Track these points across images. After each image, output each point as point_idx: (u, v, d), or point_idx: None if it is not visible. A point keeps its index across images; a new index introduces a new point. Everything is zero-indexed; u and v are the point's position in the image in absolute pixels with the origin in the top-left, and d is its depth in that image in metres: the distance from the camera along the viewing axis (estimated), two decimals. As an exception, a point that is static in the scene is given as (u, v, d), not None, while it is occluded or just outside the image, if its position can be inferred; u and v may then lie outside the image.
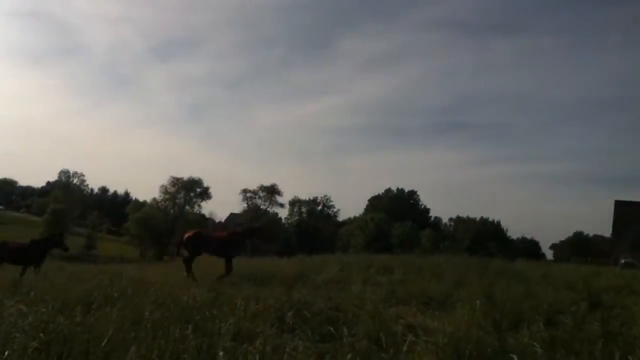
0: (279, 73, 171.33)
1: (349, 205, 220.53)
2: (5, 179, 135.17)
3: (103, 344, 5.03)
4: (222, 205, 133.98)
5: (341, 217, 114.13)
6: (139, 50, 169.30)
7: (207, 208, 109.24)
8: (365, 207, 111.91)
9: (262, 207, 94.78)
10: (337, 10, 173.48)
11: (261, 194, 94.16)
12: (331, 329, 6.70)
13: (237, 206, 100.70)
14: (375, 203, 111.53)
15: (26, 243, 13.87)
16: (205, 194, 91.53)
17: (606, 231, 66.25)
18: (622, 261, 39.33)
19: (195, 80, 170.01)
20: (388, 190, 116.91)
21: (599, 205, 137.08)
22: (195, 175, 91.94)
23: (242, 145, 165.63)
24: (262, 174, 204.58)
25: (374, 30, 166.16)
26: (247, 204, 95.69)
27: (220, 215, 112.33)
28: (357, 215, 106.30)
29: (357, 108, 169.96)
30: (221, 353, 5.05)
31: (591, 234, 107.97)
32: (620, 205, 60.94)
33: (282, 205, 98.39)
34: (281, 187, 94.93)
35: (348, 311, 8.32)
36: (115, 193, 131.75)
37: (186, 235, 14.37)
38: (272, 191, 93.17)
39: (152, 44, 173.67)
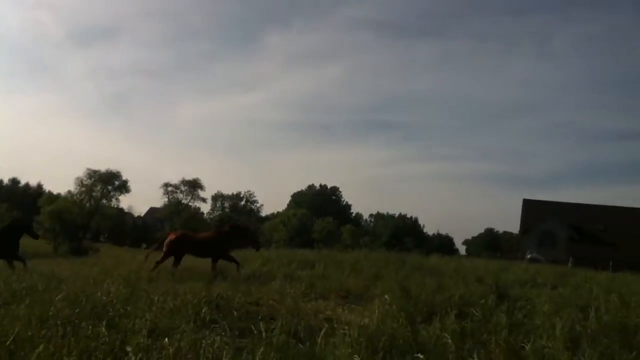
0: (205, 66, 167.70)
1: (273, 201, 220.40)
2: None
3: (8, 342, 4.78)
4: (141, 199, 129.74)
5: (264, 213, 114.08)
6: (58, 36, 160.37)
7: (125, 202, 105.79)
8: (288, 202, 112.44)
9: (183, 201, 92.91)
10: (265, 4, 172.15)
11: (183, 188, 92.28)
12: (250, 324, 6.69)
13: (158, 200, 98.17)
14: (298, 199, 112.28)
15: None
16: (123, 187, 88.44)
17: (515, 228, 70.00)
18: (528, 256, 41.57)
19: (117, 70, 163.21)
20: (311, 187, 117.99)
21: (509, 204, 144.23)
22: (114, 167, 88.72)
23: (165, 139, 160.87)
24: (184, 168, 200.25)
25: (302, 25, 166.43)
26: (168, 198, 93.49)
27: (140, 209, 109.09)
28: (280, 210, 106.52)
29: (283, 104, 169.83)
30: (129, 348, 4.94)
31: (501, 231, 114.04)
32: (528, 204, 64.55)
33: (204, 200, 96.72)
34: (204, 181, 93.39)
35: (268, 306, 8.36)
36: (27, 185, 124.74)
37: (170, 238, 13.81)
38: (194, 185, 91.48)
39: (72, 30, 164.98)
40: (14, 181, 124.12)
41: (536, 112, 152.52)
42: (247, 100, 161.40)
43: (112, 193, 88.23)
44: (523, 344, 6.01)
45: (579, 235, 57.94)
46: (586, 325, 6.97)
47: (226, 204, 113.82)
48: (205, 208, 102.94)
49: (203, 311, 7.01)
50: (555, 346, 5.93)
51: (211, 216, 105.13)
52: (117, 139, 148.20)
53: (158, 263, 13.18)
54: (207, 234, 15.29)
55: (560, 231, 58.95)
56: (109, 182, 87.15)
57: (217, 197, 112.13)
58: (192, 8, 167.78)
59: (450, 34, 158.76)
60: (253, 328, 6.35)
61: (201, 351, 5.15)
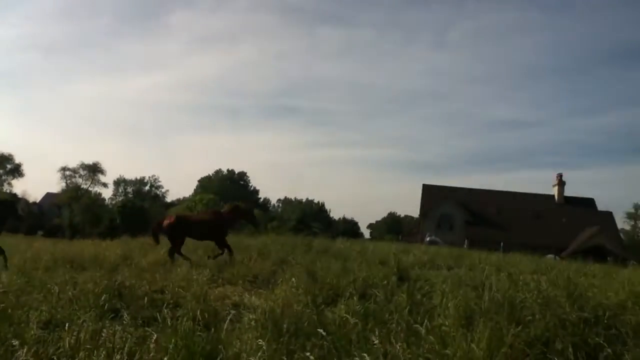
0: (106, 44, 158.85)
1: (179, 186, 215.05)
2: None
3: None
4: (37, 184, 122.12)
5: (170, 198, 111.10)
6: None
7: (19, 187, 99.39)
8: (194, 188, 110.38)
9: (83, 186, 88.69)
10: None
11: (82, 173, 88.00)
12: (155, 312, 6.57)
13: (55, 185, 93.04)
14: (205, 184, 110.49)
15: None
16: (16, 171, 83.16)
17: (416, 212, 73.06)
18: (427, 239, 43.55)
19: (7, 45, 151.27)
20: (218, 171, 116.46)
21: (410, 189, 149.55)
22: (6, 150, 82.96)
23: (63, 120, 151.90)
24: (85, 152, 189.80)
25: (208, 6, 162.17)
26: (66, 183, 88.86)
27: (35, 195, 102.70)
28: (187, 196, 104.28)
29: (189, 86, 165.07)
30: (15, 342, 4.70)
31: (402, 214, 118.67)
32: (427, 189, 67.53)
33: (105, 185, 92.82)
34: (106, 165, 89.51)
35: (173, 293, 8.23)
36: None
37: (166, 222, 13.35)
38: (94, 170, 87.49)
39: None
40: None
41: (434, 100, 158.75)
42: (152, 80, 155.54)
43: (3, 177, 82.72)
44: (421, 323, 6.33)
45: (473, 219, 61.42)
46: (479, 303, 7.43)
47: (129, 189, 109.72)
48: (107, 193, 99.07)
49: (104, 299, 6.77)
50: (450, 324, 6.29)
51: (113, 202, 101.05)
52: (7, 119, 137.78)
53: (177, 253, 12.90)
54: (204, 215, 15.13)
55: (456, 215, 62.30)
56: (1, 165, 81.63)
57: (120, 182, 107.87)
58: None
59: (354, 22, 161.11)
60: (157, 316, 6.23)
61: (101, 342, 5.00)
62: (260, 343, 5.10)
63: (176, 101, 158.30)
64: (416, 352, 5.27)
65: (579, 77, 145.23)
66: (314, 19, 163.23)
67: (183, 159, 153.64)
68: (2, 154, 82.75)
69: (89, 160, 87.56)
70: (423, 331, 5.89)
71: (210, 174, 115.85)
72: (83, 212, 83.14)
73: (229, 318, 6.08)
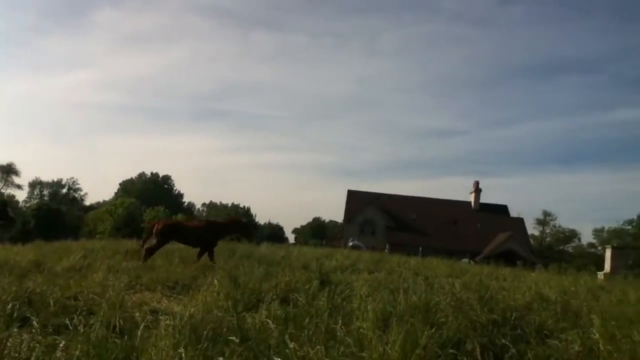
0: (28, 41, 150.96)
1: (100, 188, 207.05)
2: None
3: None
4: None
5: (90, 201, 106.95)
6: None
7: None
8: (116, 191, 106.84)
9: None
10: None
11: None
12: (66, 320, 6.31)
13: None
14: (127, 187, 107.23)
15: None
16: None
17: (340, 217, 74.19)
18: (350, 243, 44.27)
19: None
20: (142, 174, 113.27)
21: (335, 194, 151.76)
22: None
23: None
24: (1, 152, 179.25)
25: (135, 5, 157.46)
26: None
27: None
28: (107, 199, 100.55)
29: (114, 86, 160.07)
30: None
31: (327, 220, 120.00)
32: (351, 194, 68.72)
33: (20, 187, 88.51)
34: (21, 166, 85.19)
35: (87, 300, 7.94)
36: None
37: (158, 226, 13.39)
38: (8, 171, 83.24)
39: None
40: None
41: (364, 107, 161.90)
42: (74, 78, 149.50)
43: None
44: (340, 326, 6.45)
45: (395, 224, 63.06)
46: (395, 306, 7.67)
47: (45, 192, 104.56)
48: (22, 196, 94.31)
49: (10, 307, 6.42)
50: (368, 326, 6.44)
51: (27, 204, 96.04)
52: None
53: (151, 250, 13.00)
54: (198, 223, 15.10)
55: (379, 220, 63.76)
56: None
57: (35, 184, 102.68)
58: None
59: (287, 28, 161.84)
60: (69, 324, 5.99)
61: (6, 351, 4.76)
62: (179, 351, 5.01)
63: (99, 101, 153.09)
64: (333, 354, 5.36)
65: (497, 89, 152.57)
66: (248, 23, 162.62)
67: (106, 161, 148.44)
68: None
69: (2, 161, 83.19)
70: (340, 334, 6.01)
71: (134, 177, 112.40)
72: (-7, 214, 78.34)
73: (143, 324, 5.94)
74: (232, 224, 15.23)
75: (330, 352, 5.44)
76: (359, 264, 15.71)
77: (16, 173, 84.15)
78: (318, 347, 5.48)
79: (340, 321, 6.58)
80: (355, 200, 66.74)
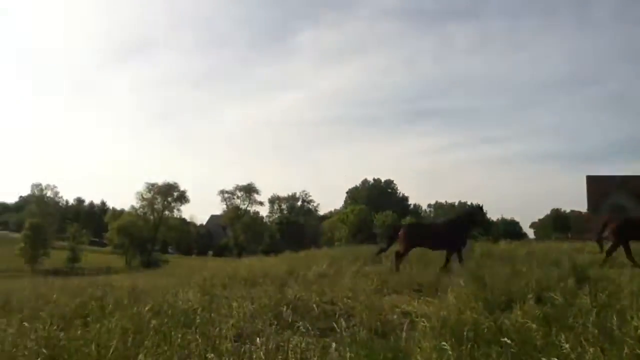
0: (241, 70, 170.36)
1: (328, 198, 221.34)
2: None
3: (109, 354, 5.03)
4: (201, 207, 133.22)
5: (322, 211, 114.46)
6: (98, 53, 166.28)
7: (187, 212, 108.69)
8: (344, 199, 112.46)
9: (241, 206, 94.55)
10: (290, 3, 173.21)
11: (239, 194, 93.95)
12: (332, 323, 6.75)
13: (217, 207, 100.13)
14: (354, 195, 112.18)
15: None
16: (183, 198, 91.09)
17: (582, 206, 67.66)
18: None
19: (157, 82, 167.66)
20: (365, 181, 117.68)
21: (570, 181, 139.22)
22: (170, 179, 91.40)
23: (214, 145, 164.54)
24: (236, 173, 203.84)
25: (330, 21, 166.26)
26: (226, 204, 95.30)
27: (201, 218, 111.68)
28: (338, 208, 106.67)
29: (323, 101, 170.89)
30: (210, 356, 5.03)
31: (568, 210, 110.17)
32: (591, 180, 62.19)
33: (261, 204, 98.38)
34: (258, 185, 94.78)
35: (343, 304, 8.41)
36: (91, 203, 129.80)
37: (403, 230, 13.79)
38: (249, 190, 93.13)
39: (108, 46, 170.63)
40: (79, 200, 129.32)
41: (583, 85, 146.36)
42: (287, 99, 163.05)
43: (172, 204, 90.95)
44: (617, 326, 5.81)
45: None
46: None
47: (283, 206, 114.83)
48: (264, 211, 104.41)
49: (284, 313, 7.12)
50: (648, 326, 5.70)
51: (270, 219, 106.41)
52: (168, 150, 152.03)
53: (400, 256, 13.18)
54: (440, 224, 15.25)
55: (632, 206, 56.55)
56: (168, 193, 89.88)
57: (274, 200, 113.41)
58: (221, 15, 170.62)
59: (487, 15, 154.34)
60: (335, 326, 6.41)
61: (290, 352, 5.26)
62: (445, 346, 5.01)
63: (313, 116, 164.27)
64: (616, 356, 4.83)
65: None
66: (440, 17, 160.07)
67: (329, 171, 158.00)
68: (169, 183, 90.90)
69: (243, 182, 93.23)
70: (618, 334, 5.40)
71: (358, 185, 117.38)
72: (245, 230, 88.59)
73: (406, 325, 6.07)
74: (468, 218, 14.13)
75: (607, 353, 4.92)
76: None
77: (256, 191, 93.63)
78: (591, 348, 4.99)
79: (615, 320, 5.91)
80: (597, 186, 60.23)
